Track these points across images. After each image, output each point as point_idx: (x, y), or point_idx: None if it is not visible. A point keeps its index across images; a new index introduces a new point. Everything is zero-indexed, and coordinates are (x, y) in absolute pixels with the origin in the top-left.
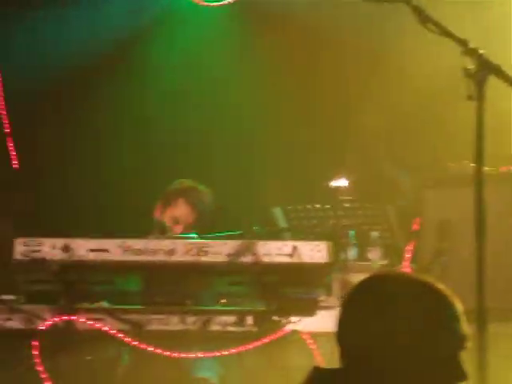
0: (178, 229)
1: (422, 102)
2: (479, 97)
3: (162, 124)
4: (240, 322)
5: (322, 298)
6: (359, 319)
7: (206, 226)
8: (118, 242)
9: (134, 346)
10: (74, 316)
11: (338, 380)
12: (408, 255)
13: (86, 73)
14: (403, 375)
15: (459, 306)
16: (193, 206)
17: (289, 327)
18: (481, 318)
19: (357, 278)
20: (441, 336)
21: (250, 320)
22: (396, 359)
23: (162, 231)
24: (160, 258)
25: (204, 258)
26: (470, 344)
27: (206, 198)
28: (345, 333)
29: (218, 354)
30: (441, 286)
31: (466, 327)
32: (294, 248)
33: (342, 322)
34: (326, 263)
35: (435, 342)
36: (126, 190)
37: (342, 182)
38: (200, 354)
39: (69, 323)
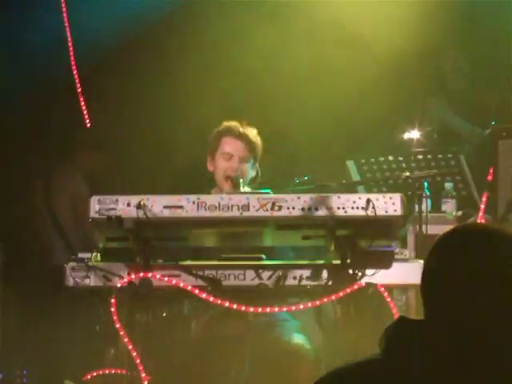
0: (233, 163)
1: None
2: None
3: None
4: (315, 276)
5: (397, 250)
6: (446, 267)
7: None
8: (193, 198)
9: (211, 301)
10: (150, 273)
11: (424, 329)
12: (483, 206)
13: None
14: (492, 324)
15: None
16: (241, 139)
17: (364, 280)
18: None
19: (432, 229)
20: None
21: (325, 274)
22: (482, 307)
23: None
24: (234, 213)
25: (278, 213)
26: None
27: (252, 132)
28: (431, 282)
29: (293, 308)
30: None
31: None
32: (368, 201)
33: (428, 272)
34: (400, 215)
35: None
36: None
37: (414, 134)
38: (276, 309)
39: (145, 280)
